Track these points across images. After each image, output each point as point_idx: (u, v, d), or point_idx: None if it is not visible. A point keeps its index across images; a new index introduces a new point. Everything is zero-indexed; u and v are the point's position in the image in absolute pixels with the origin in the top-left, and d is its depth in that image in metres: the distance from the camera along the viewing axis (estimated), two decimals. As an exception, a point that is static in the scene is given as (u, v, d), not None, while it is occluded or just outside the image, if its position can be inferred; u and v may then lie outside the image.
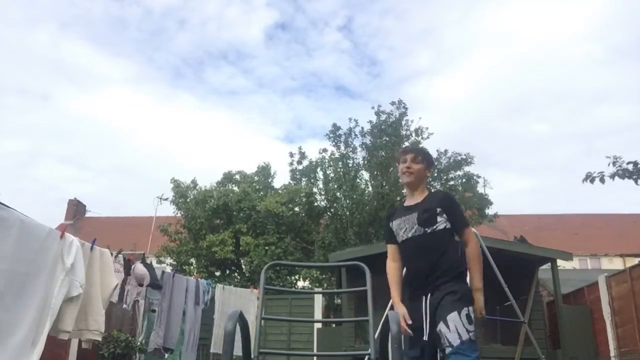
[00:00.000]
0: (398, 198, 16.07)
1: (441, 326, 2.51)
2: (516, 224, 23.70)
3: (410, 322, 2.66)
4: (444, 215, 2.70)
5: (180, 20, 47.72)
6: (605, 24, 48.56)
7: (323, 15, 46.34)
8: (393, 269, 2.86)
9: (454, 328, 2.47)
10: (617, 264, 22.01)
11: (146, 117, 52.62)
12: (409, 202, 2.85)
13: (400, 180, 2.96)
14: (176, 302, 6.36)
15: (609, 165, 5.65)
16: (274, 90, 52.28)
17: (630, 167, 5.55)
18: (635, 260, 10.76)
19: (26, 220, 3.53)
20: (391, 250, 2.89)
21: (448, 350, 2.45)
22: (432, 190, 2.98)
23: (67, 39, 49.79)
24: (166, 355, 6.29)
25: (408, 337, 2.62)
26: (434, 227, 2.68)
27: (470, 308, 2.55)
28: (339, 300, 12.95)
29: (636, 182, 5.51)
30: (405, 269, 2.82)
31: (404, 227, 2.75)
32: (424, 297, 2.61)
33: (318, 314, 11.14)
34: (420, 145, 16.44)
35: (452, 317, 2.50)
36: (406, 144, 16.38)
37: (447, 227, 2.70)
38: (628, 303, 8.17)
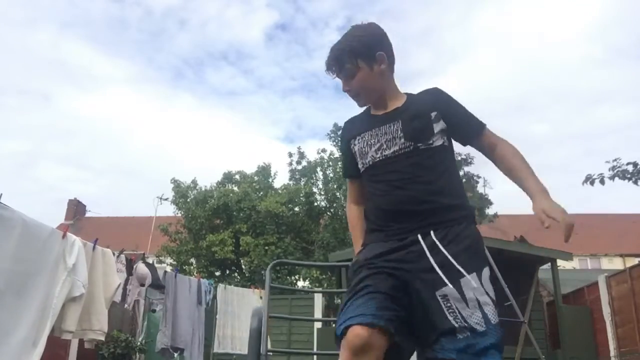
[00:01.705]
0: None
1: (449, 290, 1.47)
2: (516, 224, 23.68)
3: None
4: (442, 122, 1.69)
5: (181, 21, 47.72)
6: (605, 24, 48.61)
7: (323, 16, 46.37)
8: (356, 212, 1.87)
9: (474, 300, 1.46)
10: (617, 264, 22.03)
11: (146, 117, 52.65)
12: (379, 110, 1.79)
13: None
14: (181, 302, 6.37)
15: (609, 170, 5.69)
16: (274, 91, 52.28)
17: (630, 168, 5.57)
18: (635, 260, 10.77)
19: (29, 220, 3.54)
20: (354, 187, 1.89)
21: (462, 337, 1.42)
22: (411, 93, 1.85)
23: (68, 39, 49.81)
24: (175, 355, 6.30)
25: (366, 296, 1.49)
26: (430, 142, 1.66)
27: (489, 269, 1.59)
28: (339, 300, 12.96)
29: (636, 183, 5.53)
30: (375, 207, 1.72)
31: (378, 143, 1.70)
32: (419, 236, 1.57)
33: (318, 314, 11.14)
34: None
35: (470, 279, 1.49)
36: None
37: (446, 144, 1.71)
38: (628, 303, 8.18)
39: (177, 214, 16.60)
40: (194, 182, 16.91)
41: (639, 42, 47.90)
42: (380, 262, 1.56)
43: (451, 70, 47.39)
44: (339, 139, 1.87)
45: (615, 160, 5.66)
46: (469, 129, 1.75)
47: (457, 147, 1.79)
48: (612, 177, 5.66)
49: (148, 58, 50.47)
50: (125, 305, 5.40)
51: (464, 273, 1.50)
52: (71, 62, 49.50)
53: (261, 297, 7.43)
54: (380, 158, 1.69)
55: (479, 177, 16.31)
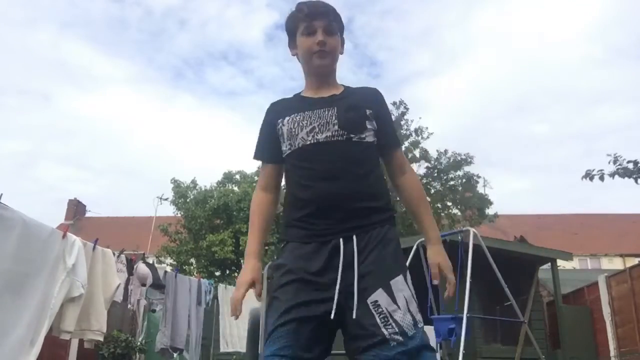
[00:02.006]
0: (398, 198, 16.09)
1: (379, 296, 1.43)
2: (516, 224, 23.70)
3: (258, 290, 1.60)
4: (374, 122, 1.64)
5: (181, 21, 47.73)
6: (605, 24, 48.62)
7: (323, 16, 46.19)
8: (265, 204, 1.73)
9: (404, 303, 1.44)
10: (617, 264, 22.02)
11: (146, 117, 52.65)
12: (313, 94, 1.72)
13: (305, 64, 1.74)
14: (181, 302, 6.37)
15: (609, 163, 5.69)
16: (274, 91, 52.26)
17: (631, 166, 5.57)
18: (635, 260, 10.78)
19: (28, 220, 3.54)
20: (266, 173, 1.75)
21: (395, 343, 1.38)
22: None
23: (68, 39, 49.82)
24: (174, 355, 6.30)
25: (277, 312, 1.46)
26: (362, 135, 1.61)
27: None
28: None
29: (636, 181, 5.53)
30: (298, 198, 1.61)
31: (311, 126, 1.60)
32: (341, 240, 1.49)
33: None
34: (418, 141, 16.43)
35: (399, 282, 1.46)
36: (406, 144, 16.41)
37: (375, 142, 1.64)
38: (628, 303, 8.19)
39: (177, 214, 16.61)
40: (194, 182, 16.93)
41: (639, 42, 47.90)
42: (305, 287, 1.46)
43: (451, 71, 47.41)
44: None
45: (616, 154, 5.67)
46: (390, 139, 1.72)
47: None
48: (612, 175, 5.66)
49: (148, 58, 50.52)
50: (129, 306, 5.41)
51: (393, 276, 1.47)
52: (71, 62, 49.54)
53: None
54: (312, 141, 1.59)
55: (479, 177, 16.32)
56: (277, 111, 1.71)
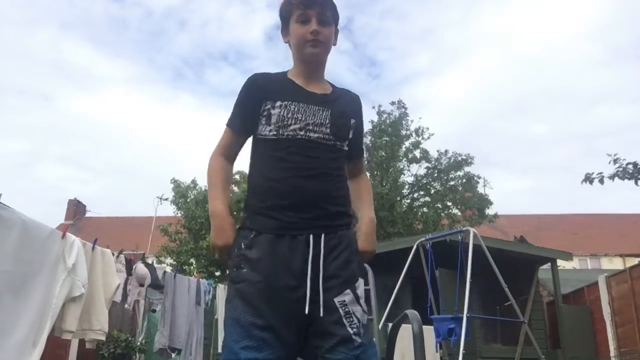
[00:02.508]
0: (398, 198, 16.13)
1: (347, 297, 1.48)
2: (516, 224, 23.70)
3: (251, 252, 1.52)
4: (352, 132, 1.70)
5: (181, 21, 47.74)
6: (605, 25, 48.61)
7: (323, 16, 46.18)
8: (225, 170, 1.73)
9: (362, 302, 1.54)
10: (617, 264, 22.01)
11: (146, 117, 52.66)
12: (304, 83, 1.69)
13: (297, 51, 1.70)
14: (179, 302, 6.37)
15: (609, 163, 5.68)
16: (274, 91, 52.23)
17: (631, 167, 5.56)
18: (635, 260, 10.77)
19: (28, 220, 3.54)
20: (234, 142, 1.71)
21: (358, 341, 1.45)
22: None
23: (68, 39, 49.82)
24: (173, 355, 6.29)
25: (249, 308, 1.45)
26: (344, 144, 1.68)
27: None
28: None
29: (636, 183, 5.53)
30: (271, 187, 1.58)
31: (305, 122, 1.59)
32: (310, 237, 1.50)
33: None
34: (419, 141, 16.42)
35: (361, 285, 1.57)
36: (406, 144, 16.41)
37: (347, 150, 1.71)
38: (628, 303, 8.19)
39: (177, 214, 16.60)
40: (194, 182, 16.92)
41: (639, 42, 47.90)
42: (274, 290, 1.45)
43: (451, 71, 47.42)
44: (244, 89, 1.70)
45: (615, 154, 5.66)
46: (359, 150, 1.82)
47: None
48: (612, 177, 5.65)
49: (148, 58, 50.52)
50: (126, 305, 5.40)
51: (358, 278, 1.55)
52: (71, 63, 49.54)
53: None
54: (303, 137, 1.58)
55: (479, 177, 16.31)
56: (266, 89, 1.65)
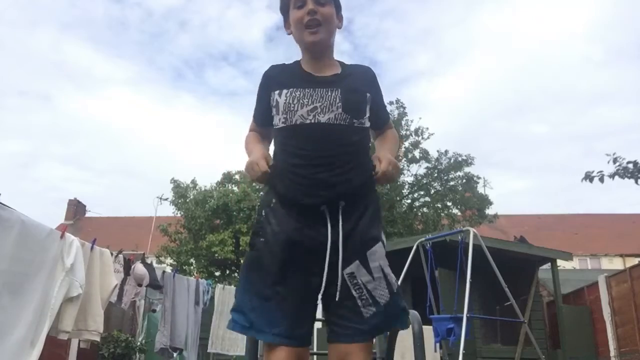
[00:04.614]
0: (397, 198, 16.13)
1: (355, 268, 1.47)
2: (516, 224, 23.70)
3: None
4: (369, 106, 1.63)
5: (181, 22, 47.72)
6: (605, 25, 48.60)
7: (323, 16, 46.21)
8: (255, 132, 1.79)
9: (379, 270, 1.49)
10: (617, 264, 22.01)
11: (147, 117, 52.66)
12: (313, 69, 1.66)
13: (297, 39, 1.69)
14: (179, 302, 6.37)
15: (608, 162, 5.68)
16: (274, 91, 52.25)
17: (630, 166, 5.56)
18: (635, 260, 10.76)
19: (27, 220, 3.53)
20: (259, 131, 1.77)
21: (369, 313, 1.44)
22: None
23: (68, 40, 49.82)
24: (174, 355, 6.29)
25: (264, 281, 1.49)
26: (362, 120, 1.59)
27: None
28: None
29: (636, 182, 5.52)
30: (287, 176, 1.55)
31: (312, 105, 1.55)
32: (327, 213, 1.48)
33: (318, 314, 11.14)
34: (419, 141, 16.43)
35: (377, 250, 1.51)
36: (406, 144, 16.40)
37: (369, 126, 1.65)
38: (628, 303, 8.18)
39: (177, 214, 16.60)
40: (194, 182, 16.92)
41: (639, 43, 47.89)
42: (290, 264, 1.47)
43: (451, 71, 47.40)
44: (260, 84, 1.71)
45: (615, 154, 5.65)
46: (383, 119, 1.76)
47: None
48: (612, 175, 5.65)
49: (149, 59, 50.51)
50: (122, 305, 5.39)
51: (370, 245, 1.50)
52: (72, 63, 49.52)
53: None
54: (312, 121, 1.54)
55: (479, 177, 16.31)
56: (274, 79, 1.65)
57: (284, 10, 1.72)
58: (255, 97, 1.73)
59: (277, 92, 1.60)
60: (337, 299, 1.45)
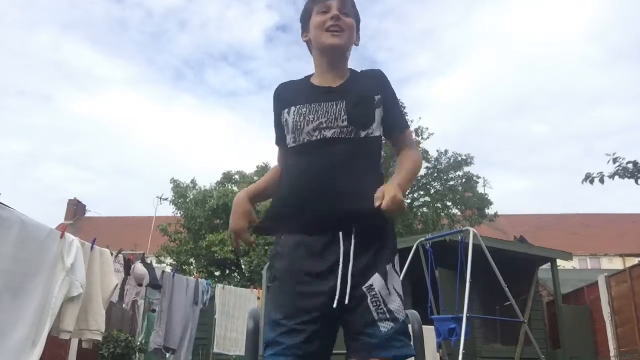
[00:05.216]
0: (398, 198, 16.07)
1: (375, 280, 1.43)
2: (516, 224, 23.71)
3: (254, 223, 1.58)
4: (381, 108, 1.57)
5: (181, 22, 47.76)
6: (604, 25, 48.61)
7: (323, 16, 46.27)
8: (272, 171, 1.73)
9: (393, 288, 1.45)
10: (617, 264, 22.02)
11: (147, 117, 52.67)
12: (322, 81, 1.62)
13: (316, 43, 1.64)
14: (177, 302, 6.37)
15: (608, 162, 5.68)
16: (274, 91, 52.31)
17: (631, 166, 5.56)
18: (635, 260, 10.77)
19: (27, 220, 3.53)
20: (281, 154, 1.68)
21: (386, 329, 1.39)
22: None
23: (68, 40, 49.82)
24: (167, 355, 6.29)
25: (283, 301, 1.47)
26: (370, 130, 1.53)
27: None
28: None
29: (636, 182, 5.52)
30: (296, 190, 1.53)
31: (318, 121, 1.51)
32: (340, 235, 1.45)
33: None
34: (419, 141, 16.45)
35: (390, 270, 1.47)
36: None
37: (380, 134, 1.58)
38: (628, 303, 8.18)
39: (177, 214, 16.59)
40: (194, 182, 16.91)
41: (638, 43, 47.91)
42: (305, 291, 1.43)
43: (451, 71, 47.42)
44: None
45: (615, 154, 5.66)
46: (397, 123, 1.64)
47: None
48: (612, 176, 5.65)
49: (149, 59, 50.54)
50: (124, 305, 5.40)
51: (385, 264, 1.46)
52: (72, 63, 49.56)
53: (259, 298, 7.41)
54: (318, 138, 1.50)
55: (478, 177, 16.31)
56: (284, 98, 1.64)
57: (306, 18, 1.68)
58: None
59: (286, 110, 1.59)
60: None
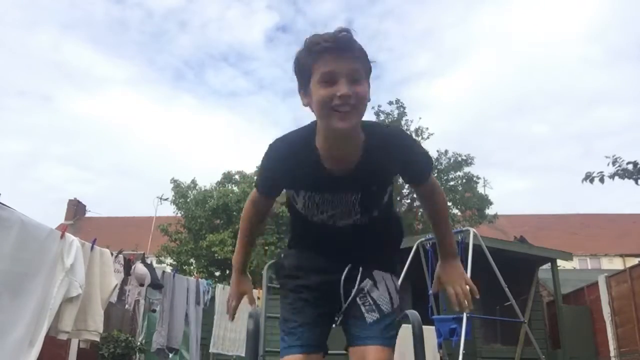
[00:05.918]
0: (397, 198, 16.11)
1: (366, 283, 1.53)
2: (516, 224, 23.70)
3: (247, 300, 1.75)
4: (399, 174, 1.55)
5: (181, 23, 47.74)
6: (604, 25, 48.61)
7: (323, 18, 46.23)
8: (255, 222, 1.70)
9: (384, 287, 1.55)
10: (617, 264, 22.00)
11: (147, 118, 52.67)
12: (332, 162, 1.42)
13: (321, 122, 1.38)
14: (178, 302, 6.37)
15: (608, 165, 5.68)
16: (275, 92, 52.31)
17: (630, 167, 5.56)
18: (635, 260, 10.76)
19: (27, 220, 3.53)
20: (264, 201, 1.62)
21: (371, 318, 1.48)
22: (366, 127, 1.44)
23: (68, 40, 49.83)
24: (170, 355, 6.29)
25: (294, 312, 1.57)
26: (380, 204, 1.53)
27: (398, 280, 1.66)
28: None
29: (636, 182, 5.52)
30: (307, 245, 1.66)
31: (332, 211, 1.49)
32: (345, 268, 1.57)
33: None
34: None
35: (382, 274, 1.57)
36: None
37: (391, 193, 1.58)
38: (628, 303, 8.18)
39: (177, 214, 16.59)
40: (194, 182, 16.91)
41: (638, 43, 47.92)
42: (311, 293, 1.59)
43: (451, 71, 47.43)
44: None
45: (614, 155, 5.66)
46: (418, 177, 1.55)
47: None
48: (612, 176, 5.65)
49: (149, 59, 50.54)
50: (126, 306, 5.40)
51: (377, 269, 1.60)
52: (72, 64, 49.58)
53: (259, 298, 7.41)
54: (331, 224, 1.53)
55: (478, 177, 16.32)
56: (287, 170, 1.46)
57: (304, 75, 1.37)
58: (260, 171, 1.58)
59: (292, 191, 1.52)
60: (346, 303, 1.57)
